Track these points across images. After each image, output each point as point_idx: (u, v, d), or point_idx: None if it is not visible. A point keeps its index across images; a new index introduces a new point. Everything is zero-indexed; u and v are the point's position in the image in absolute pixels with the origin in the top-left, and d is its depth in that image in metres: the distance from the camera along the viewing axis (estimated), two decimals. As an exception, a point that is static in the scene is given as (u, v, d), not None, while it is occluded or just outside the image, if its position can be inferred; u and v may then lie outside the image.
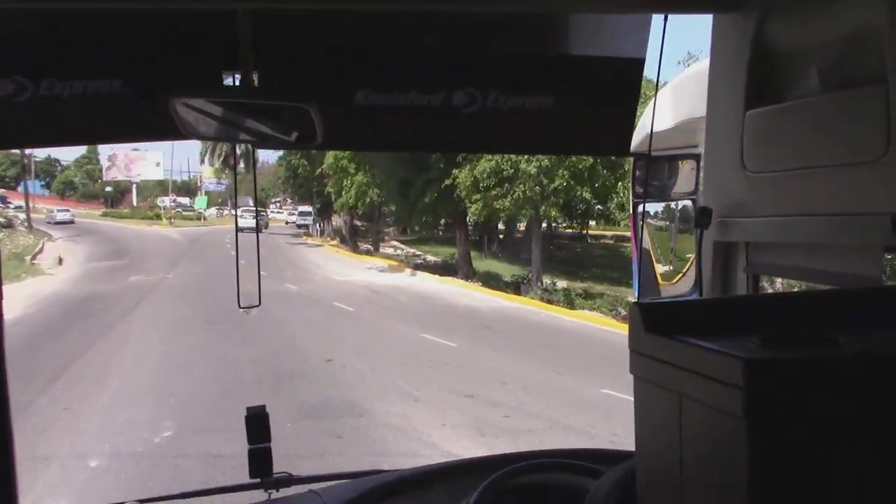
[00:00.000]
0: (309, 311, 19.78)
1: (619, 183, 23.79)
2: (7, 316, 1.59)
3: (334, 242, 45.02)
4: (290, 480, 2.39)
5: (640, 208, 3.45)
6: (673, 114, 2.98)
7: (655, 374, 1.12)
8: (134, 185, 75.59)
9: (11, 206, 61.86)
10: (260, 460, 2.35)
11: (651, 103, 2.86)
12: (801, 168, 2.02)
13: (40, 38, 2.39)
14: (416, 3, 2.47)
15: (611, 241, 42.77)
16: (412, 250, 39.19)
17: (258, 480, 2.36)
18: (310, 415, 10.16)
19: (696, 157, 2.93)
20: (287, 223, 61.88)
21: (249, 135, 2.26)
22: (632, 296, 3.81)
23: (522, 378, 12.62)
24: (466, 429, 9.81)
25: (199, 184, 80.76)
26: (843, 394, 0.98)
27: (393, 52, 2.63)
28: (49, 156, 79.98)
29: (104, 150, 73.56)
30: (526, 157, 22.03)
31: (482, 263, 31.16)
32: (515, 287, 25.76)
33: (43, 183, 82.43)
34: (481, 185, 24.43)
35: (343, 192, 32.05)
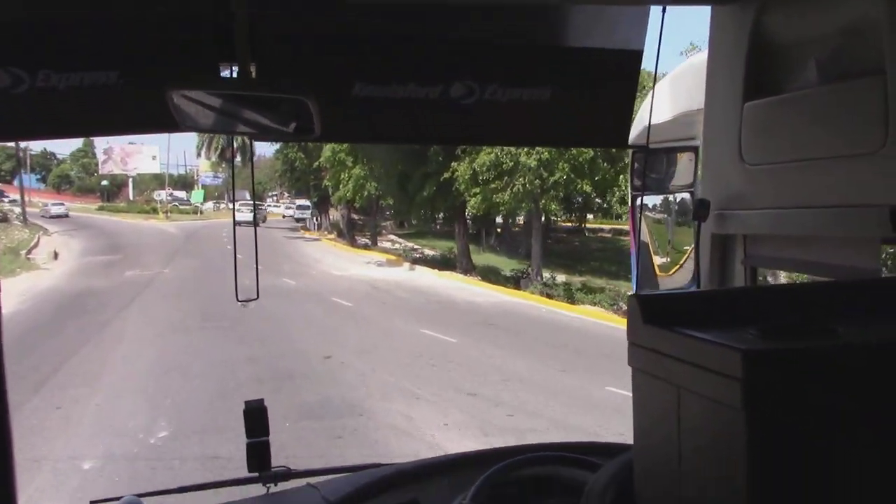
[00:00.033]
0: (307, 306, 19.64)
1: (621, 176, 23.56)
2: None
3: (332, 236, 45.03)
4: (288, 474, 2.39)
5: (639, 201, 3.43)
6: (671, 106, 2.98)
7: (654, 366, 1.11)
8: (130, 179, 75.41)
9: (7, 199, 61.55)
10: (258, 454, 2.35)
11: (649, 95, 2.84)
12: (799, 160, 2.03)
13: (37, 30, 2.38)
14: None
15: (608, 235, 42.94)
16: (410, 244, 39.01)
17: (256, 474, 2.36)
18: (309, 415, 9.98)
19: (695, 150, 2.91)
20: (284, 217, 61.88)
21: (247, 127, 2.23)
22: (631, 290, 3.70)
23: (525, 376, 12.48)
24: (469, 429, 9.67)
25: (195, 177, 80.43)
26: (842, 384, 0.98)
27: (391, 43, 2.63)
28: (45, 149, 79.98)
29: (100, 144, 73.42)
30: (526, 149, 21.96)
31: (480, 257, 31.16)
32: (515, 281, 25.61)
33: (39, 177, 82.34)
34: (480, 178, 24.22)
35: (341, 186, 32.05)
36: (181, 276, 25.67)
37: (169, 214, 62.10)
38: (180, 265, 29.01)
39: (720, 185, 2.39)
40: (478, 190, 24.78)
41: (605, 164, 23.76)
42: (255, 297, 2.73)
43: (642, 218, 3.34)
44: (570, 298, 22.28)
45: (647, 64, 2.83)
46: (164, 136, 59.40)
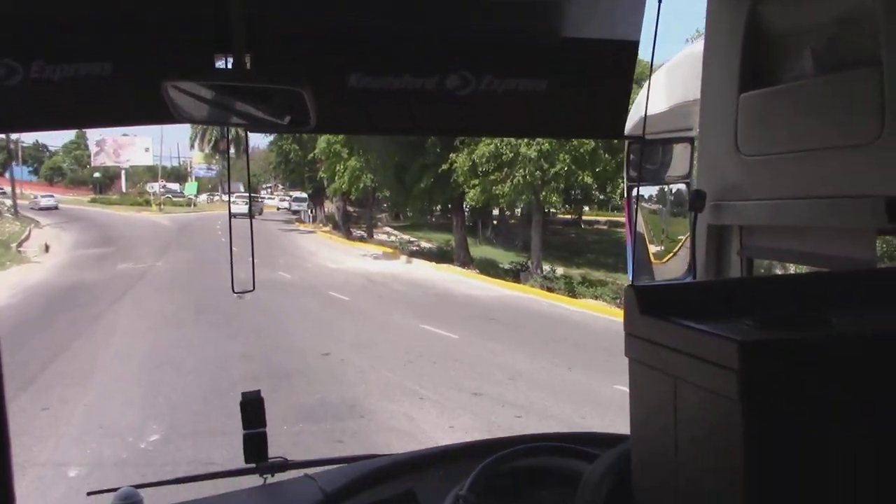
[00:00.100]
0: (303, 300, 19.36)
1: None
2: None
3: (327, 229, 44.76)
4: (285, 465, 2.40)
5: (635, 192, 3.45)
6: (667, 96, 3.00)
7: (651, 356, 1.11)
8: (123, 171, 74.91)
9: (-2, 192, 60.85)
10: (255, 445, 2.36)
11: (645, 86, 2.84)
12: (795, 151, 2.05)
13: (31, 21, 2.38)
14: None
15: (604, 227, 42.80)
16: (406, 236, 38.68)
17: (253, 465, 2.37)
18: (308, 416, 9.68)
19: (691, 141, 2.93)
20: (278, 209, 61.48)
21: (242, 118, 2.23)
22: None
23: (530, 374, 12.19)
24: (477, 431, 9.35)
25: (189, 169, 79.83)
26: (838, 375, 0.99)
27: (386, 34, 2.63)
28: (37, 141, 79.37)
29: (92, 136, 72.94)
30: (526, 140, 21.59)
31: (477, 250, 30.98)
32: (514, 275, 25.28)
33: (31, 169, 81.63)
34: (480, 169, 23.79)
35: (336, 178, 31.73)
36: (174, 269, 25.40)
37: (162, 207, 61.60)
38: (173, 258, 28.73)
39: (716, 175, 2.39)
40: (477, 182, 24.48)
41: (607, 156, 23.37)
42: (252, 288, 2.74)
43: (638, 209, 3.34)
44: (572, 292, 22.01)
45: (645, 55, 2.75)
46: (157, 127, 59.25)
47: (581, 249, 33.29)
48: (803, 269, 2.56)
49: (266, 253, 27.25)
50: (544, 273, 24.53)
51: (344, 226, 41.33)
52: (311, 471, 2.31)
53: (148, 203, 63.99)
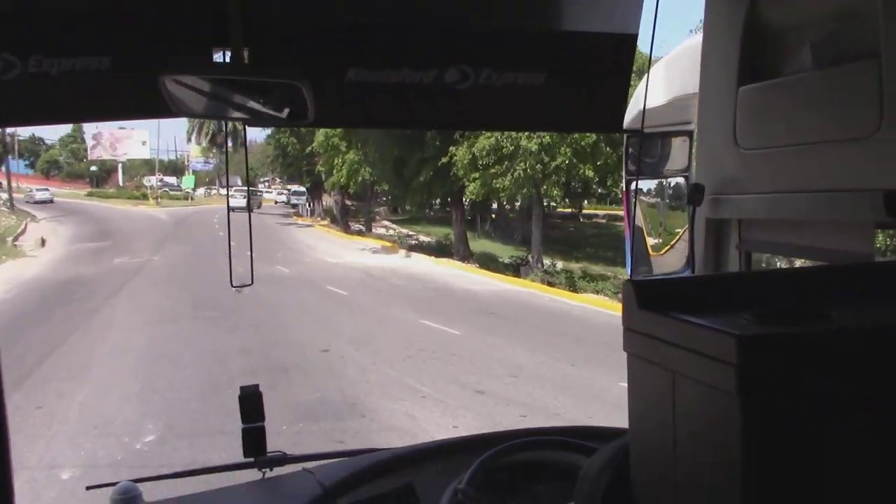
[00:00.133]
0: (301, 295, 19.19)
1: (624, 161, 22.83)
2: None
3: (325, 222, 44.62)
4: (283, 459, 2.42)
5: (633, 185, 3.41)
6: (666, 90, 2.99)
7: (649, 351, 1.12)
8: (120, 165, 74.61)
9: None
10: (254, 439, 2.38)
11: (644, 79, 2.84)
12: (793, 144, 2.05)
13: (27, 15, 2.38)
14: None
15: (603, 220, 42.72)
16: (405, 230, 38.51)
17: (252, 459, 2.39)
18: (307, 415, 9.44)
19: (689, 134, 2.93)
20: (276, 203, 61.32)
21: (240, 112, 2.23)
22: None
23: (534, 370, 11.97)
24: (482, 431, 8.84)
25: (186, 163, 79.56)
26: (837, 369, 0.99)
27: (385, 28, 2.62)
28: (33, 134, 79.20)
29: (89, 129, 72.58)
30: (527, 133, 21.35)
31: (475, 243, 30.94)
32: (514, 269, 25.12)
33: (27, 162, 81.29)
34: (480, 162, 23.55)
35: (334, 171, 31.58)
36: (171, 264, 25.27)
37: (159, 200, 61.49)
38: (171, 252, 28.58)
39: (715, 169, 2.40)
40: (477, 175, 24.31)
41: (608, 149, 23.17)
42: (250, 282, 2.77)
43: (637, 203, 3.33)
44: (572, 286, 21.84)
45: (643, 48, 2.84)
46: (155, 121, 58.65)
47: (580, 243, 33.27)
48: (802, 262, 2.53)
49: (264, 247, 27.01)
50: (545, 267, 24.28)
51: (342, 220, 41.23)
52: (309, 465, 2.33)
53: (145, 197, 63.80)
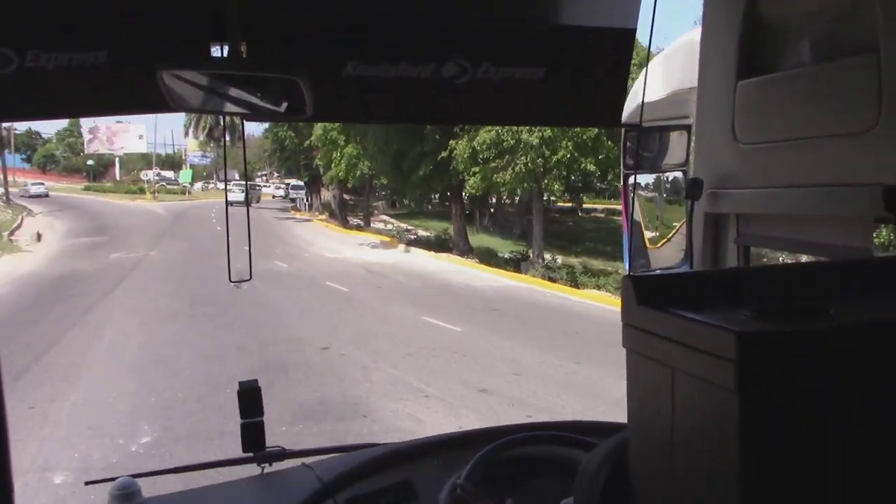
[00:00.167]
0: (300, 291, 19.05)
1: (626, 155, 22.55)
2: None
3: (323, 217, 44.44)
4: (282, 454, 2.43)
5: (631, 180, 3.41)
6: (664, 84, 2.99)
7: (648, 347, 1.12)
8: (117, 159, 74.25)
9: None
10: (252, 434, 2.38)
11: (642, 73, 2.85)
12: (792, 139, 2.06)
13: (26, 10, 2.38)
14: None
15: (601, 215, 42.59)
16: (403, 225, 38.27)
17: (251, 455, 2.39)
18: (308, 416, 9.26)
19: (688, 128, 2.93)
20: (274, 197, 61.10)
21: (238, 107, 2.23)
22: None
23: (538, 369, 11.80)
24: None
25: (183, 157, 79.14)
26: (836, 366, 0.99)
27: (383, 23, 2.62)
28: (30, 128, 78.77)
29: (86, 123, 72.16)
30: (528, 127, 20.86)
31: (474, 238, 30.76)
32: (515, 264, 24.88)
33: (24, 156, 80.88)
34: (480, 156, 23.26)
35: (332, 165, 31.37)
36: (168, 259, 25.16)
37: (156, 195, 61.26)
38: (168, 247, 28.47)
39: (713, 164, 2.41)
40: (477, 169, 24.07)
41: (609, 142, 22.86)
42: (248, 278, 2.76)
43: (635, 197, 3.32)
44: (574, 282, 21.61)
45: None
46: (152, 115, 58.31)
47: (579, 238, 33.07)
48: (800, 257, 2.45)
49: (262, 242, 27.03)
50: (546, 262, 24.03)
51: (340, 214, 40.98)
52: (308, 460, 2.34)
53: (142, 191, 63.60)
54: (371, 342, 13.26)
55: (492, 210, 37.33)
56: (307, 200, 50.28)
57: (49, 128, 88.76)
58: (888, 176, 1.72)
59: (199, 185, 71.86)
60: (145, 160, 73.82)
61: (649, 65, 2.79)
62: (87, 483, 2.52)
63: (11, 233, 32.70)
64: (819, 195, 1.98)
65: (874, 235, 2.12)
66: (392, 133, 26.68)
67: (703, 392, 1.01)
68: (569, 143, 22.52)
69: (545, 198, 25.84)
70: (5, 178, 50.17)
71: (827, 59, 1.97)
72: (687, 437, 1.06)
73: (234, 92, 2.16)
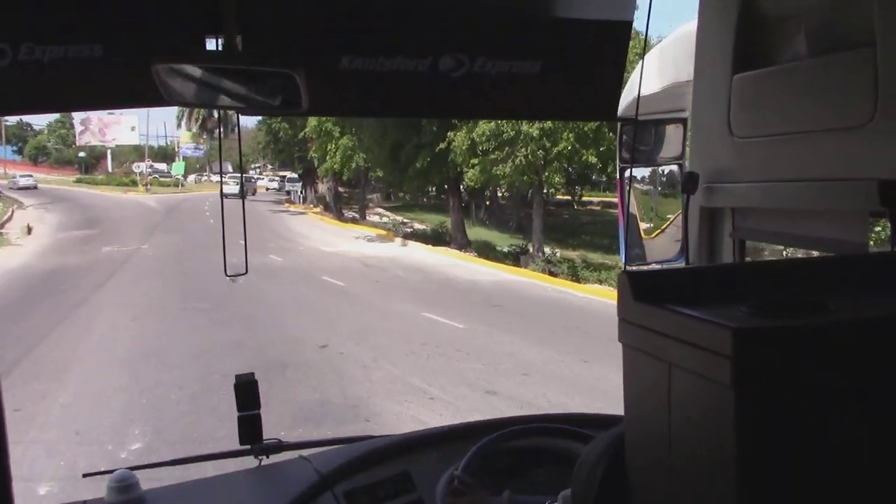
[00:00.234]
0: (296, 286, 18.76)
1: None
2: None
3: (318, 210, 44.11)
4: (280, 447, 2.44)
5: (627, 173, 3.39)
6: (660, 77, 2.98)
7: (644, 343, 1.13)
8: (109, 151, 73.56)
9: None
10: (250, 427, 2.39)
11: (638, 66, 2.83)
12: (787, 133, 2.07)
13: (19, 2, 2.37)
14: None
15: (597, 207, 42.41)
16: (399, 218, 37.87)
17: (248, 447, 2.41)
18: (307, 419, 8.92)
19: (683, 122, 2.93)
20: (267, 189, 60.67)
21: (233, 100, 2.21)
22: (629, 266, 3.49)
23: (545, 368, 11.57)
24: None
25: (176, 149, 78.54)
26: (833, 361, 1.00)
27: (379, 15, 2.61)
28: (21, 120, 78.41)
29: (77, 115, 70.94)
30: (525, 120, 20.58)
31: (471, 231, 30.63)
32: (514, 258, 24.51)
33: (15, 148, 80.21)
34: (479, 148, 22.81)
35: (327, 157, 31.03)
36: (161, 253, 24.86)
37: (149, 187, 60.79)
38: (161, 241, 28.19)
39: (709, 157, 2.43)
40: (476, 161, 23.69)
41: (611, 134, 22.45)
42: (244, 271, 2.75)
43: (631, 191, 3.31)
44: (575, 276, 21.28)
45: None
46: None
47: (576, 231, 32.88)
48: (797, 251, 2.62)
49: (256, 235, 26.77)
50: (546, 256, 23.63)
51: (335, 207, 40.52)
52: (306, 452, 2.37)
53: (134, 183, 63.15)
54: (370, 339, 12.94)
55: (487, 203, 37.00)
56: (301, 193, 49.90)
57: (40, 119, 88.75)
58: (884, 170, 1.73)
59: (192, 177, 71.37)
60: (138, 152, 73.49)
61: (645, 57, 2.80)
62: (84, 475, 2.56)
63: (1, 226, 32.49)
64: (815, 189, 2.00)
65: (872, 230, 2.18)
66: (389, 124, 26.39)
67: (700, 387, 1.01)
68: (570, 135, 22.21)
69: (545, 191, 25.40)
70: (-5, 170, 49.62)
71: (823, 53, 1.98)
72: (684, 432, 1.06)
73: (229, 85, 2.15)
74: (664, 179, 3.29)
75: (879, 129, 1.75)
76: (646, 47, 2.93)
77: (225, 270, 2.66)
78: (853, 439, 0.99)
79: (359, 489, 2.13)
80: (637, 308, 1.12)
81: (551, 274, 22.00)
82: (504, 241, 28.21)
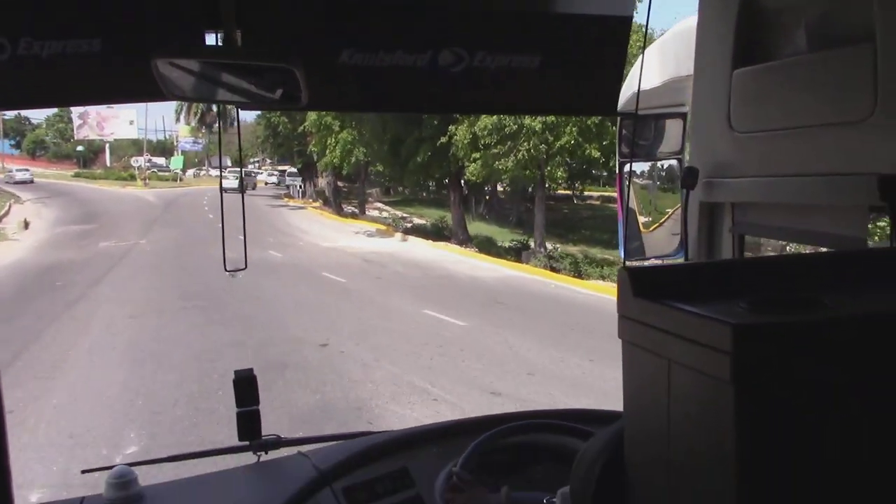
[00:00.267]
0: (295, 282, 18.62)
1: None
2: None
3: (317, 204, 44.05)
4: (278, 443, 2.46)
5: (626, 168, 3.34)
6: (660, 72, 2.97)
7: (644, 339, 1.13)
8: (107, 145, 73.56)
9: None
10: (248, 423, 2.42)
11: (638, 61, 2.85)
12: (788, 128, 2.07)
13: None
14: None
15: (597, 202, 42.32)
16: (399, 213, 37.72)
17: (247, 443, 2.43)
18: (308, 421, 8.58)
19: (683, 116, 2.90)
20: (266, 184, 60.65)
21: (233, 95, 2.23)
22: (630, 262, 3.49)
23: (551, 367, 11.32)
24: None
25: (175, 143, 78.45)
26: (832, 357, 1.00)
27: (378, 10, 2.62)
28: (19, 114, 78.10)
29: (76, 109, 70.81)
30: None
31: (471, 226, 30.51)
32: (515, 253, 24.32)
33: (13, 142, 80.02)
34: (481, 142, 22.57)
35: (327, 152, 30.88)
36: (159, 249, 24.78)
37: (147, 181, 60.78)
38: (159, 235, 28.14)
39: (708, 152, 2.43)
40: (478, 155, 23.53)
41: (614, 128, 22.09)
42: (244, 267, 2.73)
43: (630, 186, 3.31)
44: (577, 272, 21.10)
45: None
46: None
47: (575, 225, 32.74)
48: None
49: (255, 230, 26.78)
50: (548, 251, 23.41)
51: (335, 201, 40.35)
52: (304, 448, 2.38)
53: (133, 178, 63.27)
54: (371, 338, 12.73)
55: (487, 198, 36.79)
56: (301, 188, 49.74)
57: (38, 113, 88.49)
58: (884, 165, 1.74)
59: (190, 171, 71.53)
60: (136, 146, 73.49)
61: (645, 52, 2.81)
62: (83, 471, 2.56)
63: (-1, 220, 32.35)
64: (815, 184, 2.00)
65: (872, 226, 2.18)
66: (389, 119, 26.29)
67: (699, 383, 1.02)
68: (573, 129, 22.02)
69: (546, 185, 25.16)
70: (-7, 164, 49.42)
71: (823, 47, 1.98)
72: (683, 428, 1.06)
73: (228, 80, 2.16)
74: (664, 174, 3.30)
75: (879, 124, 1.76)
76: (645, 42, 2.92)
77: (224, 266, 2.65)
78: (852, 435, 1.01)
79: (357, 485, 2.16)
80: (636, 304, 1.13)
81: (553, 270, 21.85)
82: (504, 237, 28.09)
